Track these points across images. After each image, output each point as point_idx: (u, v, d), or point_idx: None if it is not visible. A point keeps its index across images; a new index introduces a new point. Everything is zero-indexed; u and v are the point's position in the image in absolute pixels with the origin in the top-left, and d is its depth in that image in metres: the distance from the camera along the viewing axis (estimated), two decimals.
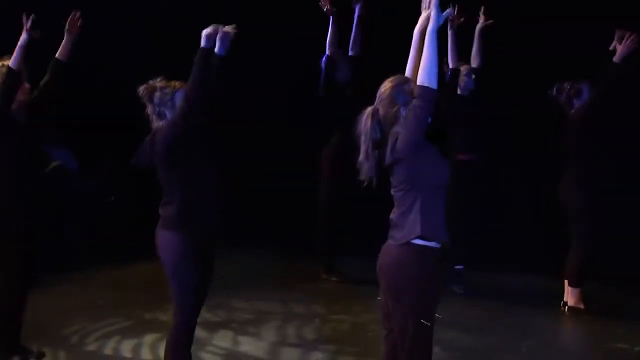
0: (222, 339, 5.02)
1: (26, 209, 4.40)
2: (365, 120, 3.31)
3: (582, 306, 5.49)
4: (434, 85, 3.17)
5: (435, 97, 3.19)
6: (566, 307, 5.53)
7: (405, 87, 3.27)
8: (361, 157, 3.32)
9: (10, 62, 4.23)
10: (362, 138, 3.31)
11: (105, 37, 6.75)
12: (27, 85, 4.44)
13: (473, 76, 5.89)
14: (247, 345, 4.94)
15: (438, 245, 3.24)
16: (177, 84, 3.88)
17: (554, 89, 5.54)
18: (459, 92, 5.88)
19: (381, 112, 3.29)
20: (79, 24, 4.52)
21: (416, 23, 3.40)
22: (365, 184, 3.32)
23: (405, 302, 3.22)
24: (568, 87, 5.48)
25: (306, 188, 6.63)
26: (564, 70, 5.70)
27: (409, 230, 3.21)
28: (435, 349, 3.41)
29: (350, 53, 6.37)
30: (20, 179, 4.38)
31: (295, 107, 7.63)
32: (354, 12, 6.30)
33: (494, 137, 6.18)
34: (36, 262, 4.55)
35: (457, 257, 5.91)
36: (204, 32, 3.81)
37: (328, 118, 6.39)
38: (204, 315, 4.06)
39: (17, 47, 4.25)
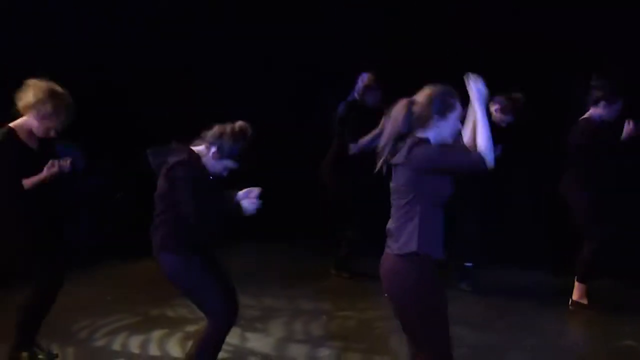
0: (230, 336, 4.96)
1: (30, 211, 4.40)
2: (399, 108, 3.27)
3: (585, 301, 5.50)
4: (491, 165, 3.16)
5: (480, 172, 3.19)
6: (570, 300, 5.55)
7: (447, 99, 3.25)
8: (383, 143, 3.29)
9: (25, 182, 4.25)
10: (390, 125, 3.28)
11: (105, 37, 6.75)
12: (53, 132, 4.39)
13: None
14: (254, 341, 4.96)
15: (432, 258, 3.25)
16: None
17: (594, 81, 5.38)
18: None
19: (416, 108, 3.26)
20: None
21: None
22: (378, 170, 3.29)
23: (409, 309, 3.24)
24: (607, 85, 5.34)
25: (313, 185, 6.63)
26: (564, 68, 5.69)
27: (404, 244, 3.22)
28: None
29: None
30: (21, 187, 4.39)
31: (305, 104, 7.63)
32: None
33: (499, 136, 6.16)
34: (62, 259, 4.57)
35: (466, 255, 5.92)
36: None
37: (332, 127, 6.35)
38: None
39: (37, 178, 4.26)
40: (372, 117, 6.16)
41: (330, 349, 4.83)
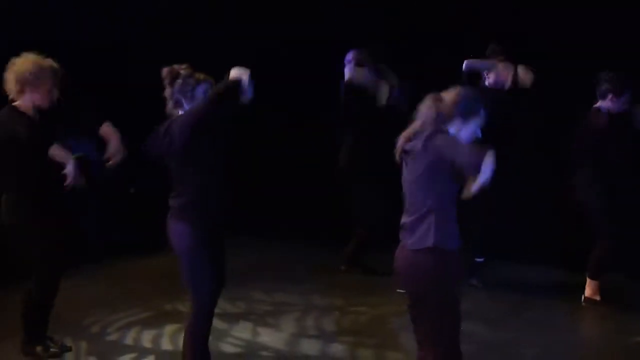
0: (242, 330, 5.05)
1: (46, 205, 4.43)
2: (426, 107, 3.30)
3: (598, 298, 5.48)
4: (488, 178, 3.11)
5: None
6: (583, 297, 5.53)
7: (473, 105, 3.28)
8: (408, 132, 3.31)
9: (52, 151, 4.25)
10: (420, 117, 3.30)
11: (105, 37, 6.76)
12: (54, 93, 4.42)
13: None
14: (266, 336, 4.97)
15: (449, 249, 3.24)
16: (201, 76, 3.89)
17: (603, 74, 5.39)
18: (486, 84, 5.84)
19: (442, 104, 3.29)
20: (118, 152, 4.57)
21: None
22: (399, 158, 3.32)
23: (426, 303, 3.23)
24: (617, 79, 5.32)
25: (325, 180, 6.63)
26: (584, 66, 5.65)
27: (421, 239, 3.22)
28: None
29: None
30: (44, 173, 4.41)
31: (315, 100, 7.62)
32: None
33: (517, 131, 6.14)
34: (66, 254, 4.59)
35: (477, 250, 5.90)
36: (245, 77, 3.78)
37: (344, 118, 6.36)
38: (224, 306, 4.09)
39: (57, 155, 4.27)
40: (369, 96, 6.21)
41: (342, 345, 4.82)
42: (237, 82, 3.76)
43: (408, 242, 3.26)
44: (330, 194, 6.54)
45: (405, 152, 3.31)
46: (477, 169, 3.13)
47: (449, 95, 3.31)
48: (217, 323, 4.05)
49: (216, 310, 4.06)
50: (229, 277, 4.17)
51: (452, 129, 3.29)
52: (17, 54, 4.39)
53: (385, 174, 3.79)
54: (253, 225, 7.06)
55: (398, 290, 5.89)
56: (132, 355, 4.67)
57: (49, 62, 4.35)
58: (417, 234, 3.22)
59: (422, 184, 3.23)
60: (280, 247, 7.31)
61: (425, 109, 3.30)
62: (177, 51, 7.42)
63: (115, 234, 7.16)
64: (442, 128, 3.26)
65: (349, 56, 6.25)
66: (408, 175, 3.30)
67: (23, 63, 4.31)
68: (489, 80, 5.84)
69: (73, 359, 4.60)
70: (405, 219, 3.30)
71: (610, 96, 5.35)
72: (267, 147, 7.70)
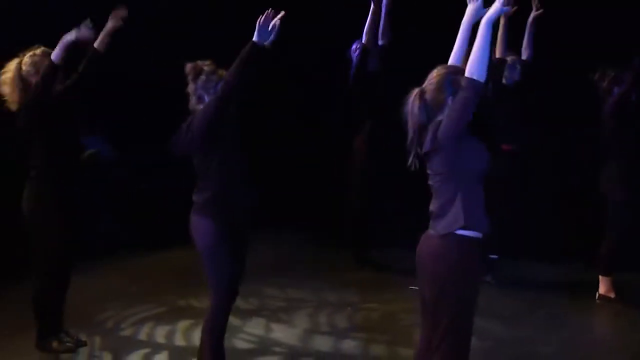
0: (255, 326, 5.06)
1: (66, 197, 4.47)
2: (412, 101, 3.28)
3: (612, 295, 5.46)
4: (482, 78, 3.13)
5: (482, 90, 3.16)
6: (597, 294, 5.51)
7: (456, 78, 3.23)
8: (409, 138, 3.29)
9: (53, 55, 4.27)
10: (409, 119, 3.29)
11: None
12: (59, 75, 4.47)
13: (518, 68, 5.81)
14: (279, 332, 4.98)
15: (480, 236, 3.22)
16: (223, 73, 3.88)
17: (597, 74, 5.48)
18: (504, 82, 5.82)
19: (428, 96, 3.27)
20: (119, 17, 4.54)
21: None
22: (410, 165, 3.28)
23: (449, 293, 3.21)
24: (612, 74, 5.41)
25: (339, 177, 6.63)
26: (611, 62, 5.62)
27: (452, 221, 3.19)
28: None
29: (379, 42, 6.32)
30: (59, 168, 4.45)
31: (327, 98, 7.62)
32: (382, 1, 6.22)
33: (536, 128, 6.11)
34: (76, 248, 4.62)
35: (492, 247, 5.88)
36: (262, 22, 3.71)
37: (358, 108, 6.38)
38: (237, 302, 4.12)
39: (62, 42, 4.26)
40: (379, 82, 6.19)
41: (355, 341, 4.83)
42: (250, 49, 3.72)
43: (439, 227, 3.24)
44: (344, 192, 6.54)
45: (417, 155, 3.29)
46: (471, 97, 3.10)
47: (431, 84, 3.28)
48: (230, 319, 4.05)
49: None
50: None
51: (445, 112, 3.23)
52: (17, 54, 4.44)
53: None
54: (266, 222, 7.07)
55: (410, 287, 5.90)
56: (146, 350, 4.69)
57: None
58: (448, 218, 3.20)
59: (445, 172, 3.23)
60: (293, 243, 7.32)
61: (411, 104, 3.27)
62: (177, 51, 7.48)
63: (129, 229, 7.21)
64: (442, 120, 3.23)
65: (355, 45, 6.25)
66: (430, 168, 3.29)
67: (12, 63, 4.39)
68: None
69: (87, 353, 4.62)
70: (433, 206, 3.29)
71: (614, 88, 5.38)
72: (279, 144, 7.72)
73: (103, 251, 6.64)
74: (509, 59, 5.77)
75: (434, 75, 3.30)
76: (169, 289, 5.84)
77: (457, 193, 3.20)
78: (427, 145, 3.24)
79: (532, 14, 5.85)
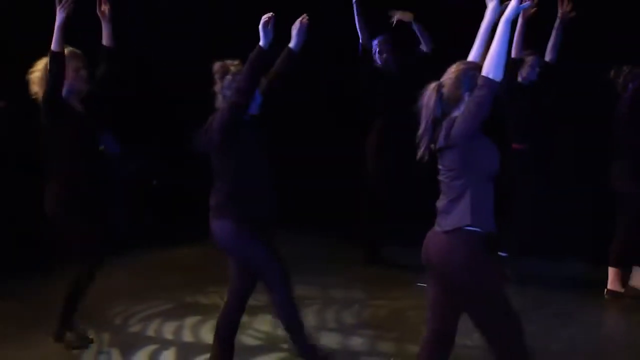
0: (262, 323, 5.06)
1: (88, 197, 4.49)
2: (429, 94, 3.28)
3: (621, 290, 5.45)
4: (499, 77, 3.13)
5: (498, 89, 3.15)
6: (605, 290, 5.50)
7: (475, 74, 3.22)
8: (421, 131, 3.28)
9: (52, 45, 4.24)
10: (423, 112, 3.28)
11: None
12: (84, 73, 4.49)
13: (538, 69, 5.74)
14: None
15: (484, 233, 3.21)
16: None
17: (613, 71, 5.47)
18: (519, 80, 5.78)
19: (445, 90, 3.26)
20: (105, 9, 4.58)
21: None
22: (420, 158, 3.28)
23: (463, 290, 3.20)
24: (627, 70, 5.41)
25: (346, 174, 6.63)
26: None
27: (458, 218, 3.19)
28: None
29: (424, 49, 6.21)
30: (81, 165, 4.47)
31: (340, 97, 7.60)
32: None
33: (548, 128, 6.07)
34: (103, 247, 4.66)
35: (501, 244, 5.87)
36: (262, 26, 3.76)
37: (369, 105, 6.36)
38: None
39: (55, 28, 4.22)
40: (400, 81, 6.16)
41: (362, 338, 4.82)
42: (257, 54, 3.75)
43: (444, 223, 3.23)
44: (352, 188, 6.54)
45: (430, 150, 3.28)
46: (487, 96, 3.09)
47: (449, 78, 3.27)
48: None
49: None
50: None
51: (460, 109, 3.22)
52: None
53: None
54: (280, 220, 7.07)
55: (418, 284, 5.89)
56: (154, 346, 4.71)
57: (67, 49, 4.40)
58: (454, 214, 3.19)
59: (456, 170, 3.22)
60: (300, 240, 7.31)
61: (427, 98, 3.27)
62: (177, 51, 7.49)
63: (139, 226, 7.23)
64: (456, 117, 3.22)
65: (375, 43, 6.22)
66: (441, 165, 3.29)
67: (41, 63, 4.38)
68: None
69: (95, 350, 4.65)
70: (440, 202, 3.28)
71: (629, 85, 5.39)
72: (292, 143, 7.71)
73: (111, 247, 6.66)
74: (528, 58, 5.71)
75: (453, 70, 3.29)
76: (177, 286, 5.85)
77: (466, 191, 3.19)
78: (440, 142, 3.24)
79: (560, 16, 5.61)
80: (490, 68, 3.12)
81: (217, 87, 3.94)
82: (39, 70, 4.42)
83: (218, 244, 3.93)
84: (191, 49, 7.35)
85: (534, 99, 5.82)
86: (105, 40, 4.58)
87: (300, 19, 4.02)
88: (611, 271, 5.49)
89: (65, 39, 4.23)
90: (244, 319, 4.96)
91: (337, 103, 7.63)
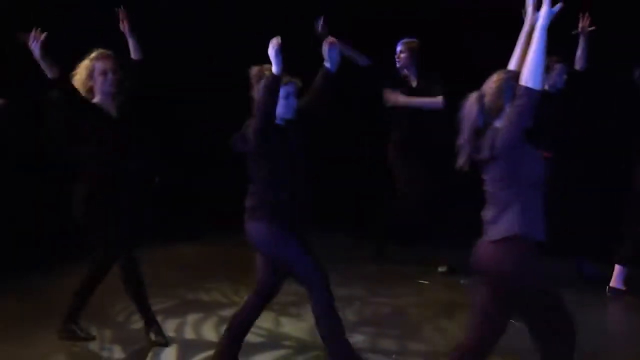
0: (264, 320, 5.04)
1: (116, 199, 4.57)
2: (470, 105, 3.28)
3: (623, 287, 5.45)
4: (538, 86, 3.13)
5: (538, 97, 3.15)
6: (607, 287, 5.50)
7: (515, 84, 3.22)
8: (462, 141, 3.29)
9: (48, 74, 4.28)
10: (465, 122, 3.28)
11: (105, 38, 6.79)
12: (111, 76, 4.51)
13: (565, 76, 5.69)
14: (288, 326, 4.99)
15: (534, 240, 3.24)
16: (285, 78, 3.88)
17: (637, 72, 5.42)
18: (546, 87, 5.76)
19: (487, 100, 3.26)
20: (124, 25, 4.69)
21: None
22: (460, 168, 3.30)
23: (513, 297, 3.25)
24: None
25: (346, 174, 6.63)
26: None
27: (505, 228, 3.20)
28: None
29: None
30: (110, 172, 4.53)
31: (364, 101, 7.57)
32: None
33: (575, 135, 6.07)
34: (128, 246, 4.75)
35: None
36: (273, 53, 3.78)
37: (386, 118, 6.32)
38: (246, 296, 4.15)
39: (38, 61, 4.25)
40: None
41: (364, 335, 4.83)
42: (271, 81, 3.77)
43: (492, 233, 3.23)
44: (356, 186, 6.54)
45: (473, 159, 3.29)
46: (527, 106, 3.10)
47: (490, 88, 3.27)
48: None
49: (237, 300, 4.08)
50: (251, 268, 4.19)
51: (502, 119, 3.23)
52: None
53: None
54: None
55: (420, 282, 5.90)
56: None
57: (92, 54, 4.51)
58: (502, 224, 3.20)
59: (502, 180, 3.22)
60: (315, 241, 7.30)
61: (468, 108, 3.27)
62: (177, 51, 7.49)
63: (142, 222, 7.23)
64: (500, 127, 3.22)
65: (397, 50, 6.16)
66: (486, 175, 3.29)
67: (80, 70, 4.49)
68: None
69: (98, 346, 4.65)
70: (487, 213, 3.29)
71: None
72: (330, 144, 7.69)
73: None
74: (556, 65, 5.64)
75: (494, 79, 3.29)
76: (180, 283, 5.86)
77: (513, 200, 3.20)
78: (485, 153, 3.24)
79: (580, 30, 5.61)
80: (529, 77, 3.13)
81: (254, 91, 3.96)
82: (80, 73, 4.48)
83: (253, 245, 3.98)
84: (191, 49, 7.36)
85: (561, 106, 5.76)
86: (132, 54, 4.66)
87: (325, 39, 4.01)
88: (616, 269, 5.48)
89: (52, 62, 4.26)
90: None
91: (356, 103, 7.60)
